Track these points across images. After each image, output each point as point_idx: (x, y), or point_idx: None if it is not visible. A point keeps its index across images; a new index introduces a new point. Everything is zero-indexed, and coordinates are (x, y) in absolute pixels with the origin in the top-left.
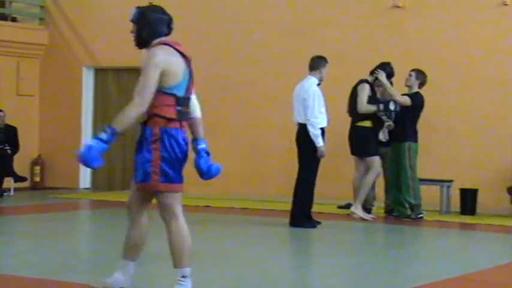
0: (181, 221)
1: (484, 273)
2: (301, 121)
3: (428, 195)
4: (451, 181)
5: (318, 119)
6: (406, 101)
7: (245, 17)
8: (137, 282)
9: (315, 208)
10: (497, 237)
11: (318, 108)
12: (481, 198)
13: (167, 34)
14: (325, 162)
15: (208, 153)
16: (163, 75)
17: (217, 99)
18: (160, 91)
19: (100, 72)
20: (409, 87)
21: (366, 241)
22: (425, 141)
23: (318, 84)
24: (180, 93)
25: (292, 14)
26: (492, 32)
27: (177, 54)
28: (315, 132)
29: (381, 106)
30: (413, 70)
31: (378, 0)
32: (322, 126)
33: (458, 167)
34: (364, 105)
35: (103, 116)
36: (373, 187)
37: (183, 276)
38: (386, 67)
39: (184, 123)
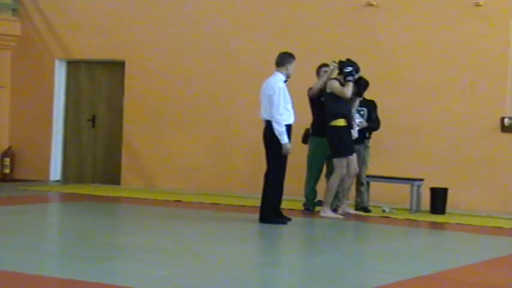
0: None
1: (453, 272)
2: (268, 118)
3: (399, 194)
4: (421, 180)
5: (283, 116)
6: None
7: (216, 14)
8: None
9: (285, 205)
10: (466, 237)
11: (283, 105)
12: (451, 197)
13: None
14: (294, 158)
15: None
16: None
17: (190, 96)
18: None
19: (72, 65)
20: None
21: (335, 239)
22: (395, 140)
23: (285, 81)
24: None
25: (263, 12)
26: (464, 33)
27: None
28: (279, 129)
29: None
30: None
31: None
32: (288, 123)
33: (429, 166)
34: (342, 90)
35: (75, 108)
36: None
37: None
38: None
39: None
